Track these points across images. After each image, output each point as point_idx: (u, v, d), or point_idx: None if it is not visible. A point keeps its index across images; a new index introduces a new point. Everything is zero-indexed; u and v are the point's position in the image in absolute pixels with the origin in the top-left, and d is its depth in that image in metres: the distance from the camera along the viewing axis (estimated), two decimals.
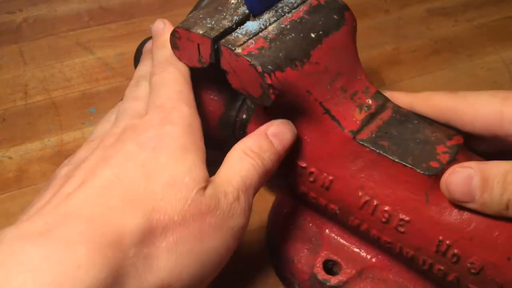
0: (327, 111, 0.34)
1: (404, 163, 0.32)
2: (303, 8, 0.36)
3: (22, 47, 0.62)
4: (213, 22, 0.35)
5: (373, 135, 0.33)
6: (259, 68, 0.31)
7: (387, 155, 0.32)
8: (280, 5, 0.36)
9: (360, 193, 0.34)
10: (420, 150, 0.32)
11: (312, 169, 0.36)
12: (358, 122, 0.34)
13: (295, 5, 0.36)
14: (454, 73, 0.60)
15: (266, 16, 0.35)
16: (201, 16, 0.36)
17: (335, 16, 0.36)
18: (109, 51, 0.62)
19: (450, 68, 0.61)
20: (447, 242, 0.31)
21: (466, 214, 0.31)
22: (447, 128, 0.34)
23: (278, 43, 0.33)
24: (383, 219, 0.33)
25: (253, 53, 0.32)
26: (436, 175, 0.31)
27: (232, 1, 0.36)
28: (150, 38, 0.42)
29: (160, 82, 0.35)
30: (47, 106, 0.55)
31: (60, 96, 0.56)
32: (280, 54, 0.33)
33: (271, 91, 0.32)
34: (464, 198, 0.30)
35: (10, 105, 0.55)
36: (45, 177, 0.48)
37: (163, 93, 0.34)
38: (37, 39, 0.63)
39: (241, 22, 0.35)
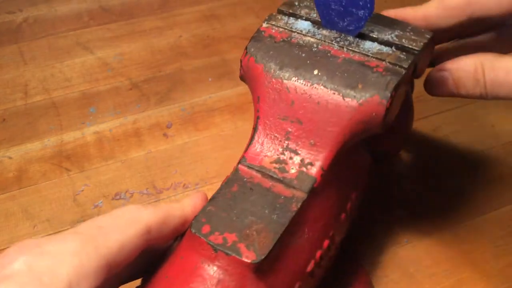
0: (255, 128, 0.33)
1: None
2: (360, 57, 0.32)
3: (22, 47, 0.62)
4: (303, 3, 0.36)
5: (244, 180, 0.31)
6: (248, 44, 0.34)
7: (216, 196, 0.30)
8: (350, 39, 0.34)
9: None
10: (218, 218, 0.29)
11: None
12: (257, 162, 0.31)
13: (361, 49, 0.33)
14: None
15: (325, 31, 0.34)
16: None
17: (365, 88, 0.31)
18: (109, 51, 0.62)
19: None
20: None
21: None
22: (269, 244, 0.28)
23: (286, 47, 0.33)
24: None
25: (263, 34, 0.34)
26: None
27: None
28: None
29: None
30: (47, 106, 0.55)
31: (60, 96, 0.56)
32: (271, 52, 0.33)
33: (239, 66, 0.34)
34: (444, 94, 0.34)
35: (10, 105, 0.55)
36: (45, 177, 0.48)
37: None
38: (37, 39, 0.63)
39: (309, 19, 0.35)
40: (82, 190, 0.47)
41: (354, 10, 0.32)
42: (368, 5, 0.31)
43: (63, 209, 0.45)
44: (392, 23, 0.35)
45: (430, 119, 0.53)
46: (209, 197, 0.31)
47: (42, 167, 0.49)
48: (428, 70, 0.36)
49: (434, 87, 0.34)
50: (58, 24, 0.65)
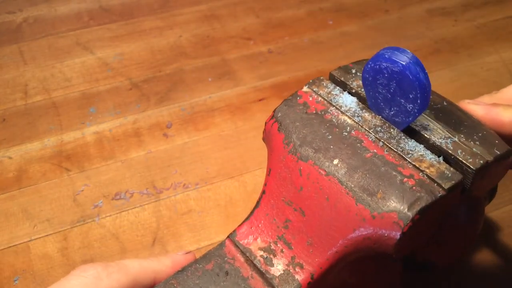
0: (257, 203, 0.29)
1: None
2: (394, 158, 0.26)
3: (22, 47, 0.62)
4: (355, 70, 0.32)
5: (225, 259, 0.28)
6: (277, 107, 0.30)
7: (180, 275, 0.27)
8: (393, 132, 0.28)
9: None
10: None
11: None
12: (246, 242, 0.28)
13: (400, 149, 0.27)
14: (454, 73, 0.60)
15: (369, 115, 0.29)
16: (359, 66, 0.32)
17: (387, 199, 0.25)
18: (109, 51, 0.62)
19: (450, 68, 0.61)
20: None
21: None
22: None
23: (316, 122, 0.28)
24: None
25: (297, 99, 0.30)
26: None
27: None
28: None
29: None
30: (47, 106, 0.55)
31: (60, 96, 0.56)
32: (298, 123, 0.29)
33: (263, 130, 0.31)
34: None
35: (10, 105, 0.55)
36: (45, 177, 0.48)
37: None
38: (37, 39, 0.63)
39: (359, 94, 0.30)
40: (82, 190, 0.47)
41: (403, 101, 0.27)
42: (419, 100, 0.26)
43: (63, 209, 0.45)
44: (460, 123, 0.28)
45: None
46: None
47: (42, 167, 0.49)
48: None
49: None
50: (58, 24, 0.65)
